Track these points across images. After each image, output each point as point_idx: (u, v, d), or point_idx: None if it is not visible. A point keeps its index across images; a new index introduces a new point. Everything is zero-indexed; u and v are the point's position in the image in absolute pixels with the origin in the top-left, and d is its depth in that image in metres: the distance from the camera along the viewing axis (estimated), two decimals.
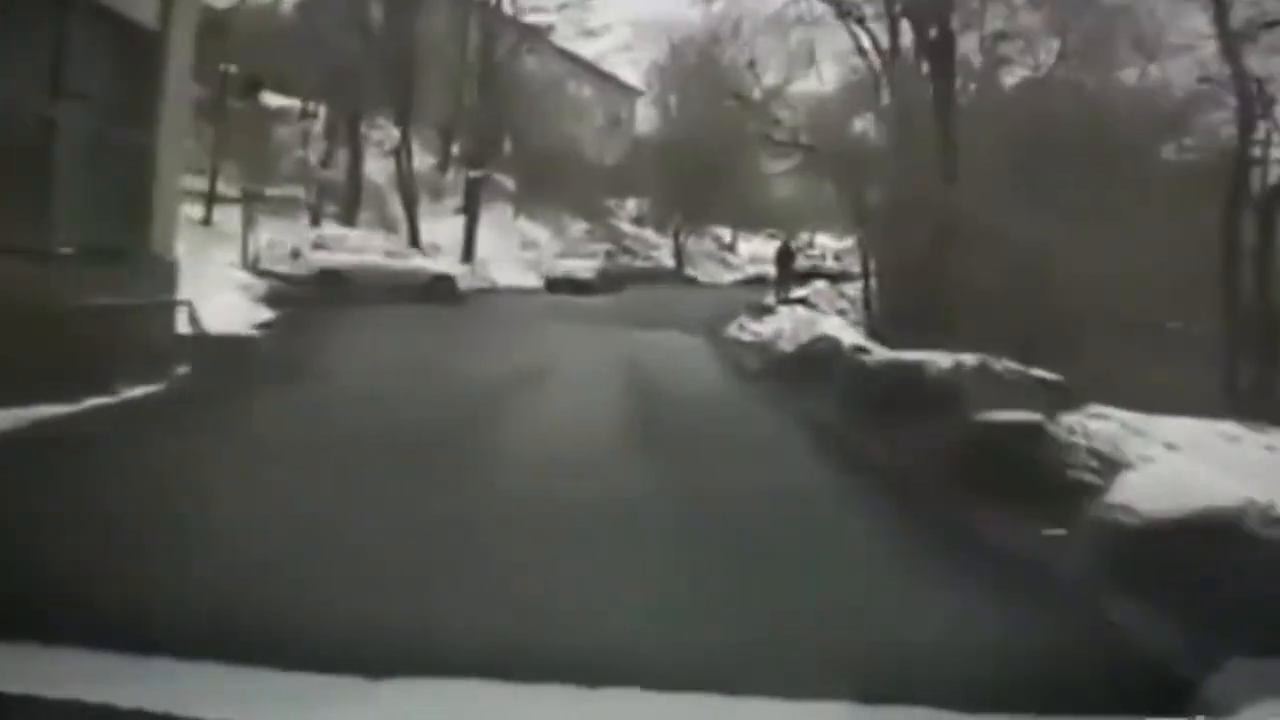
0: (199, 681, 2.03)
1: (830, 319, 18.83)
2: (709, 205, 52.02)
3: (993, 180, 22.00)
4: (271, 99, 37.42)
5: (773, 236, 59.73)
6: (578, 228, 45.54)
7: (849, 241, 71.53)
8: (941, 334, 14.69)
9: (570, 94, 59.60)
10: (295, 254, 24.96)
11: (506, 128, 45.82)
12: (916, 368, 10.11)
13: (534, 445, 8.74)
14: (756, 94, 31.69)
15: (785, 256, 33.30)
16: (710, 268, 53.67)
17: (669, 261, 50.80)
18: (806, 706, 1.97)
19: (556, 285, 31.71)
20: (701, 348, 17.89)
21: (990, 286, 19.61)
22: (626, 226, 52.74)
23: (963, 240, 21.15)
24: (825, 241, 70.05)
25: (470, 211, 32.79)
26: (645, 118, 63.80)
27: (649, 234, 54.50)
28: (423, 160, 40.40)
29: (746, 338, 18.76)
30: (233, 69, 31.36)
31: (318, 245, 25.71)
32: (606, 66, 60.48)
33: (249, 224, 24.35)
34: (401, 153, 32.68)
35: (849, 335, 16.09)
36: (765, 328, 19.06)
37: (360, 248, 26.07)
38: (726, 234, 60.87)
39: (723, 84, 57.56)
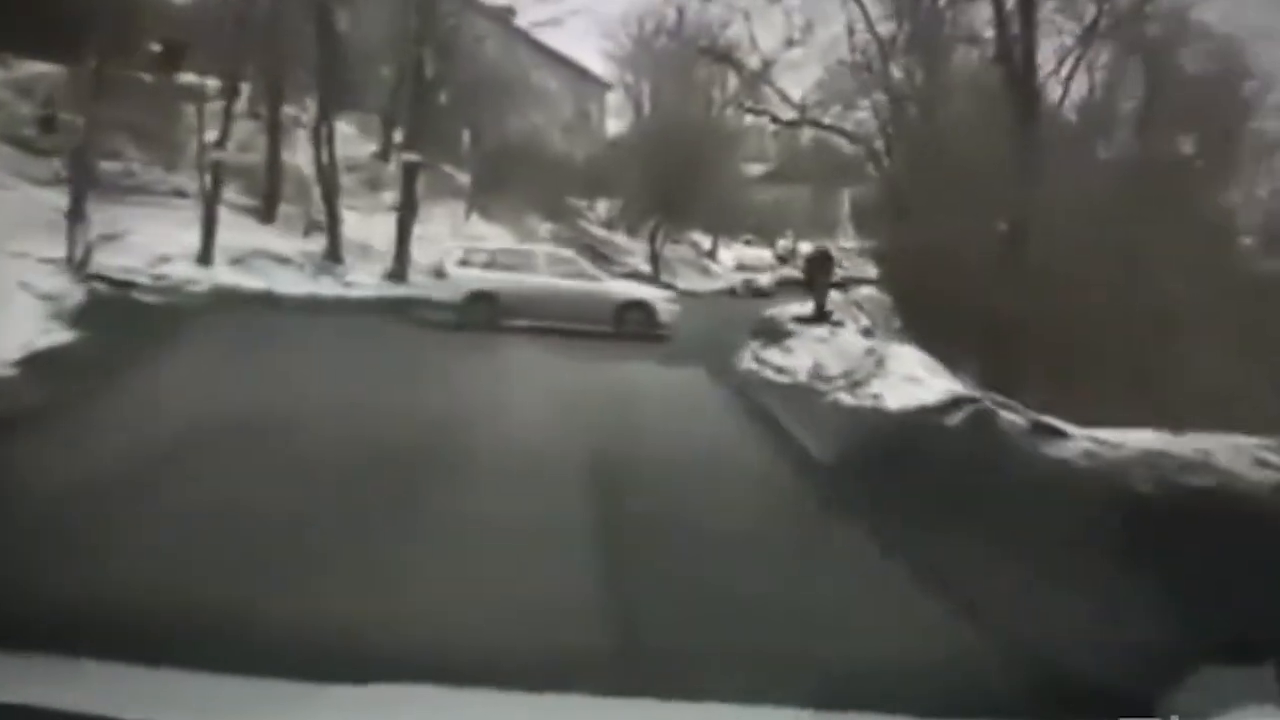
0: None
1: (900, 349, 12.84)
2: (687, 208, 47.79)
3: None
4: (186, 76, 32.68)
5: (750, 243, 56.02)
6: (543, 229, 39.63)
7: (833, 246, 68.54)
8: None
9: (535, 84, 54.85)
10: (439, 272, 19.83)
11: (463, 117, 41.50)
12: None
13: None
14: (755, 61, 25.86)
15: (824, 263, 25.18)
16: (690, 276, 48.05)
17: (644, 268, 46.22)
18: (761, 712, 1.81)
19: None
20: (710, 398, 12.01)
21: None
22: (596, 230, 47.20)
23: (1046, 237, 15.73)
24: (806, 249, 65.83)
25: (406, 206, 26.71)
26: (616, 112, 59.56)
27: (620, 239, 49.13)
28: (361, 148, 34.70)
29: (775, 376, 12.93)
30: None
31: (467, 260, 20.13)
32: (575, 56, 56.43)
33: (77, 215, 18.36)
34: (321, 133, 26.67)
35: (952, 382, 10.46)
36: (795, 358, 13.42)
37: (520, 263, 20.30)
38: (704, 240, 55.70)
39: (700, 69, 53.61)
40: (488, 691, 1.93)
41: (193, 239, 23.92)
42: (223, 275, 22.85)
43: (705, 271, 50.71)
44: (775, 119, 24.65)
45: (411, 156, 26.29)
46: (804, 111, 24.06)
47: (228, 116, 25.23)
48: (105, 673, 2.02)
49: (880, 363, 11.52)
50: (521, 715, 1.90)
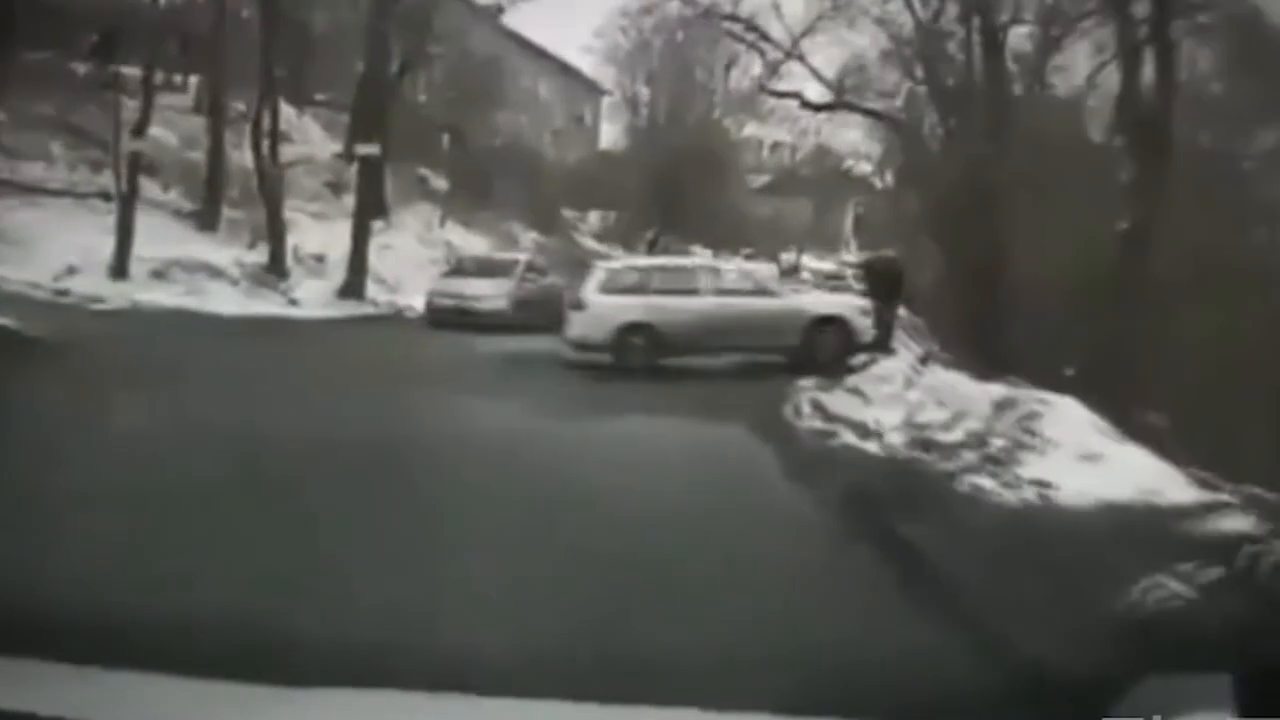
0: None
1: (1057, 401, 8.33)
2: (686, 220, 44.00)
3: None
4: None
5: (750, 256, 52.17)
6: (528, 239, 35.49)
7: (828, 263, 64.57)
8: None
9: (525, 85, 51.04)
10: (578, 305, 15.06)
11: (440, 114, 37.60)
12: None
13: None
14: (781, 34, 21.70)
15: (891, 274, 16.92)
16: None
17: None
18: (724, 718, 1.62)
19: (442, 316, 19.28)
20: (767, 489, 7.27)
21: None
22: (589, 242, 43.16)
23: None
24: (809, 262, 61.89)
25: (363, 208, 22.44)
26: (611, 118, 55.71)
27: (617, 252, 45.07)
28: (328, 148, 30.66)
29: (854, 440, 8.43)
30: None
31: (610, 285, 16.04)
32: (569, 59, 52.74)
33: None
34: (260, 125, 22.45)
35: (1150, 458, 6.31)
36: (874, 409, 9.14)
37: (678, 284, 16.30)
38: (703, 253, 51.60)
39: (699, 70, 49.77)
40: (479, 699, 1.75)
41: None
42: (137, 290, 18.71)
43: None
44: (805, 102, 20.53)
45: (368, 149, 22.00)
46: (840, 92, 19.95)
47: (147, 102, 21.03)
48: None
49: (1027, 422, 7.30)
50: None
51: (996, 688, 3.96)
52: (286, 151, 29.77)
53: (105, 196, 21.82)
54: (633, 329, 14.35)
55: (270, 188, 21.85)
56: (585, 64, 51.66)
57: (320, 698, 1.87)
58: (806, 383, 11.16)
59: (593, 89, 53.98)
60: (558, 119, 53.47)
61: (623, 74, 51.10)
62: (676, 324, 14.73)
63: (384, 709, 1.92)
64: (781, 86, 21.19)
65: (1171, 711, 1.58)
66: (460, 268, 20.87)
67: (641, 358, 13.80)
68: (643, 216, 44.39)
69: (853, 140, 57.64)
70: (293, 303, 20.25)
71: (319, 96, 34.55)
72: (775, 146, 59.34)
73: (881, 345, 13.78)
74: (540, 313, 20.64)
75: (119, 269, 19.10)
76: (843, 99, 20.34)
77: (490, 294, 19.55)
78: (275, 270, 21.08)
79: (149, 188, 25.20)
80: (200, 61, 26.78)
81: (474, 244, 30.19)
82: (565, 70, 52.72)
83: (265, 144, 22.22)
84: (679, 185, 41.59)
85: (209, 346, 14.04)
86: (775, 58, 20.75)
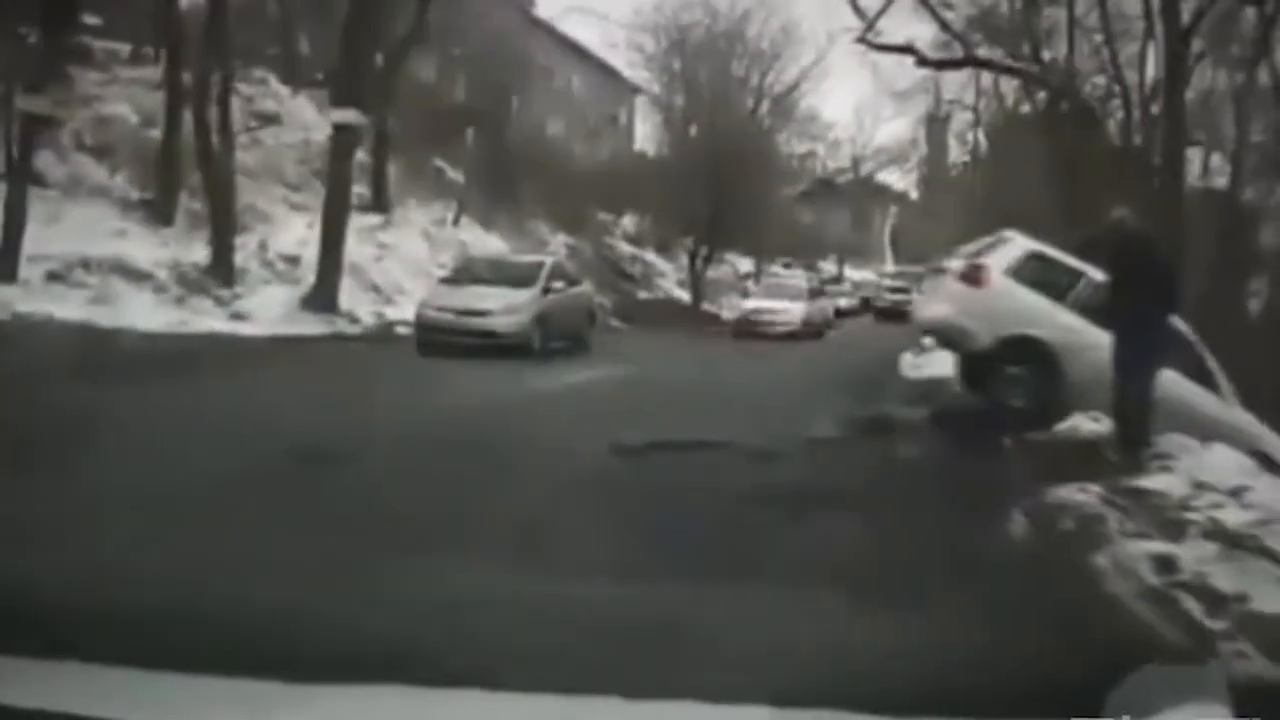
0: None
1: None
2: (728, 225, 39.43)
3: None
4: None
5: (789, 265, 47.46)
6: (556, 241, 30.20)
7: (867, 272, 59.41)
8: None
9: (557, 83, 46.26)
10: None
11: (465, 105, 32.68)
12: None
13: None
14: None
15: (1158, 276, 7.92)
16: (736, 303, 38.93)
17: (679, 293, 37.48)
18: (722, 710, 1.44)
19: (435, 338, 13.67)
20: None
21: None
22: (624, 246, 38.16)
23: None
24: (853, 274, 56.76)
25: (335, 195, 16.57)
26: (646, 117, 50.91)
27: (650, 256, 40.17)
28: (318, 132, 25.43)
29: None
30: None
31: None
32: (604, 56, 48.33)
33: None
34: (206, 95, 16.83)
35: None
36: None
37: None
38: (741, 262, 46.93)
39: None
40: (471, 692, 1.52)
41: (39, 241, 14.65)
42: (23, 298, 13.44)
43: (747, 296, 41.76)
44: (922, 58, 14.82)
45: (345, 115, 16.42)
46: (966, 46, 14.34)
47: (50, 51, 15.50)
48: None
49: None
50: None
51: None
52: (266, 133, 24.96)
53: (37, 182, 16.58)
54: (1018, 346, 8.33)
55: (218, 171, 16.45)
56: (619, 60, 47.39)
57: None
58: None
59: (627, 87, 49.52)
60: (591, 117, 48.95)
61: (658, 71, 46.79)
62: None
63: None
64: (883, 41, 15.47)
65: (1164, 701, 1.37)
66: (465, 272, 15.02)
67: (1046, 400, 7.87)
68: (681, 221, 39.98)
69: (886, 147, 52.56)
70: (237, 316, 14.91)
71: (319, 76, 29.17)
72: (806, 156, 54.58)
73: (1136, 426, 7.44)
74: (566, 330, 15.28)
75: (4, 269, 13.84)
76: (971, 54, 14.68)
77: (503, 308, 13.79)
78: (218, 273, 15.68)
79: (94, 171, 20.13)
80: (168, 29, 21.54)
81: (493, 245, 24.94)
82: (600, 67, 48.32)
83: (215, 117, 16.80)
84: (720, 189, 37.12)
85: (58, 392, 8.65)
86: None
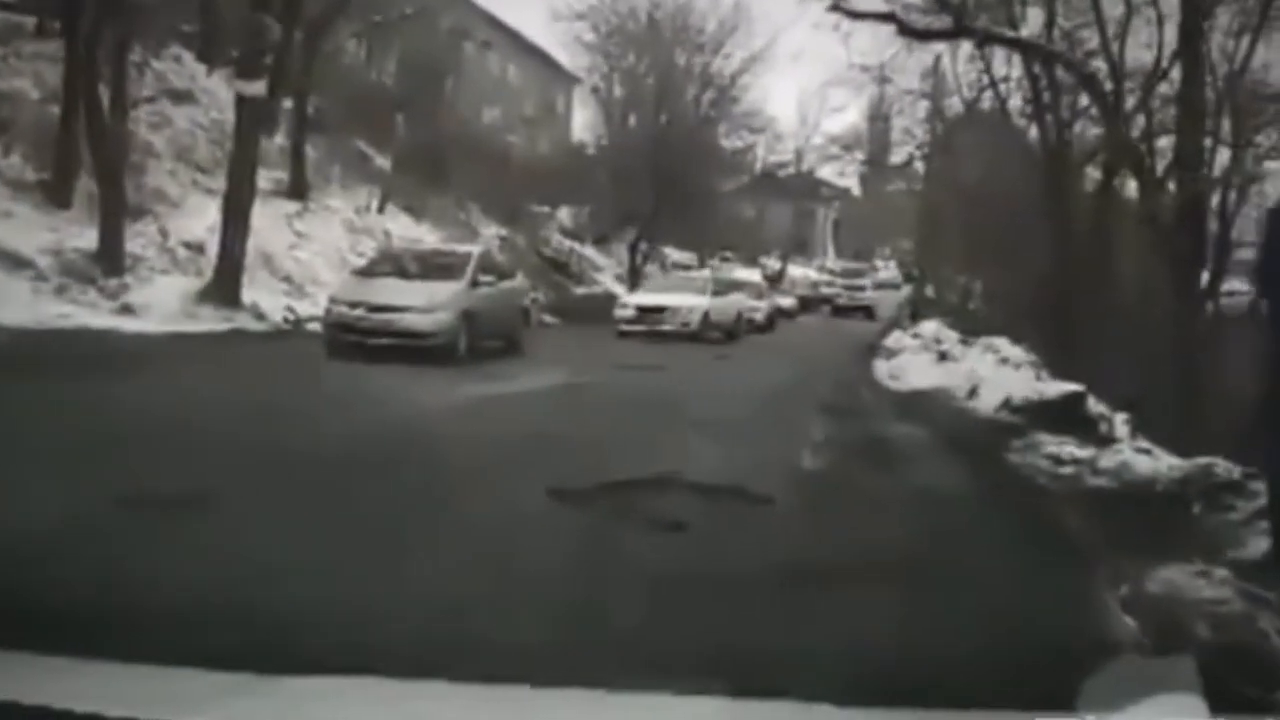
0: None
1: None
2: (666, 220, 38.35)
3: None
4: None
5: (728, 259, 46.27)
6: (489, 232, 28.50)
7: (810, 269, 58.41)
8: None
9: (493, 69, 44.60)
10: None
11: (393, 87, 30.87)
12: None
13: None
14: None
15: None
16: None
17: (618, 288, 36.07)
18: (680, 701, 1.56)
19: (346, 338, 11.98)
20: None
21: None
22: (561, 239, 36.65)
23: None
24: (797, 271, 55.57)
25: (238, 176, 14.53)
26: (585, 106, 49.30)
27: (588, 250, 38.79)
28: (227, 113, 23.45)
29: None
30: None
31: None
32: (543, 44, 46.81)
33: None
34: (94, 67, 14.75)
35: None
36: None
37: None
38: (678, 254, 45.80)
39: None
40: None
41: None
42: None
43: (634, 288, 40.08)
44: (905, 27, 13.16)
45: (251, 87, 14.51)
46: (962, 13, 12.72)
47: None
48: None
49: None
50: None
51: None
52: (178, 113, 22.99)
53: None
54: None
55: (108, 149, 14.54)
56: (558, 47, 45.81)
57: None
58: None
59: (567, 76, 47.96)
60: (528, 106, 47.32)
61: (599, 58, 45.28)
62: None
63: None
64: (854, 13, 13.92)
65: (1139, 693, 1.35)
66: (383, 263, 13.20)
67: None
68: (619, 214, 38.60)
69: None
70: (126, 309, 13.10)
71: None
72: (748, 150, 53.16)
73: None
74: (496, 329, 13.62)
75: None
76: (964, 24, 13.09)
77: (424, 304, 12.04)
78: (107, 261, 13.81)
79: None
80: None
81: (420, 235, 23.19)
82: (538, 54, 46.66)
83: (104, 90, 14.87)
84: (659, 181, 35.83)
85: None
86: None
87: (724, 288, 24.40)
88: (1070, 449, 7.57)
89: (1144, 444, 7.22)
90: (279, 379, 10.02)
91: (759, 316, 26.68)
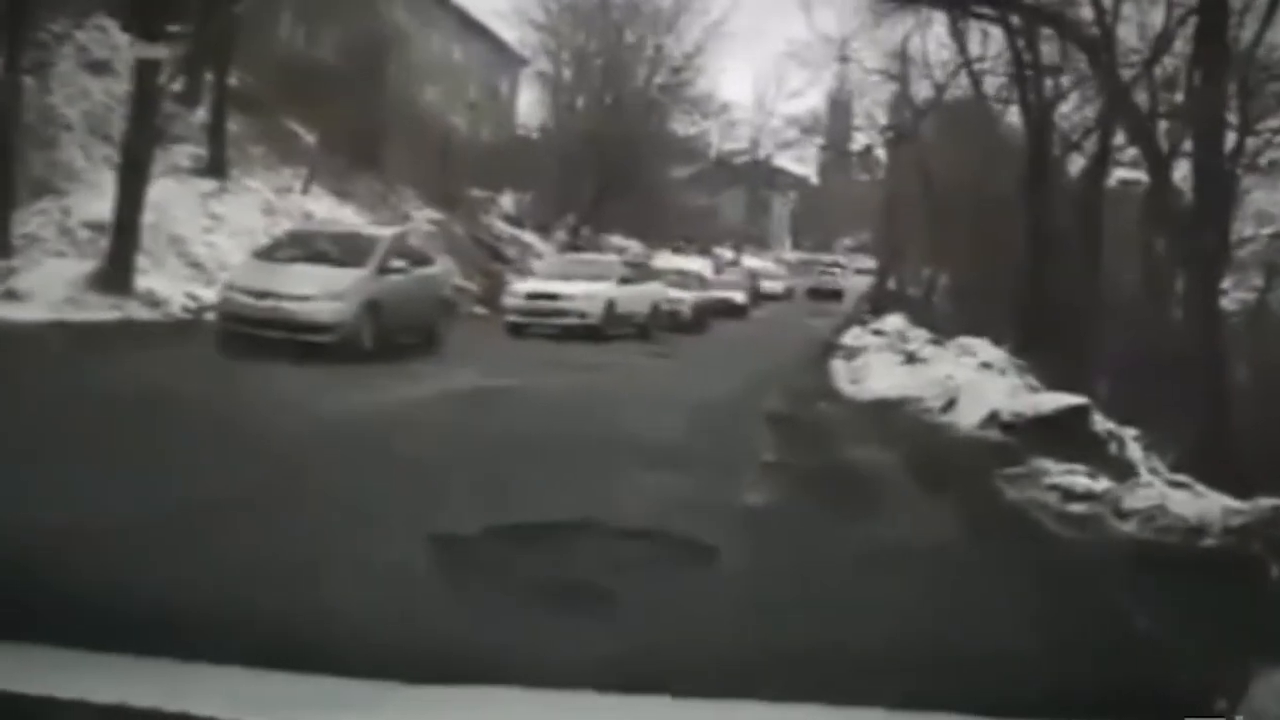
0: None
1: None
2: (610, 207, 37.91)
3: None
4: None
5: (680, 249, 45.59)
6: (422, 216, 27.57)
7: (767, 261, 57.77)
8: None
9: (436, 48, 43.51)
10: None
11: (325, 63, 29.86)
12: None
13: None
14: None
15: None
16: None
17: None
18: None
19: (239, 329, 10.97)
20: None
21: None
22: (501, 225, 35.82)
23: None
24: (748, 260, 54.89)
25: (136, 148, 13.50)
26: (531, 91, 48.36)
27: (529, 237, 37.96)
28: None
29: None
30: None
31: None
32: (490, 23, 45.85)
33: None
34: None
35: None
36: None
37: None
38: (627, 244, 45.09)
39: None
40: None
41: None
42: None
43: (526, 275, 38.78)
44: None
45: (150, 50, 13.51)
46: None
47: None
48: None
49: None
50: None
51: None
52: (95, 84, 21.83)
53: None
54: None
55: None
56: (506, 27, 44.88)
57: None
58: None
59: (514, 57, 46.98)
60: (472, 88, 46.28)
61: (546, 38, 44.40)
62: None
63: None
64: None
65: None
66: (285, 246, 12.28)
67: None
68: (562, 200, 37.90)
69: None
70: (10, 295, 12.11)
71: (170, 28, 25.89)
72: (701, 136, 52.34)
73: None
74: (410, 322, 12.79)
75: None
76: None
77: (322, 292, 11.04)
78: None
79: None
80: None
81: (346, 218, 22.27)
82: (484, 34, 45.63)
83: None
84: (605, 167, 35.26)
85: None
86: None
87: (639, 275, 21.47)
88: (1081, 479, 6.51)
89: (1178, 476, 6.19)
90: (132, 387, 8.02)
91: (684, 310, 22.80)
